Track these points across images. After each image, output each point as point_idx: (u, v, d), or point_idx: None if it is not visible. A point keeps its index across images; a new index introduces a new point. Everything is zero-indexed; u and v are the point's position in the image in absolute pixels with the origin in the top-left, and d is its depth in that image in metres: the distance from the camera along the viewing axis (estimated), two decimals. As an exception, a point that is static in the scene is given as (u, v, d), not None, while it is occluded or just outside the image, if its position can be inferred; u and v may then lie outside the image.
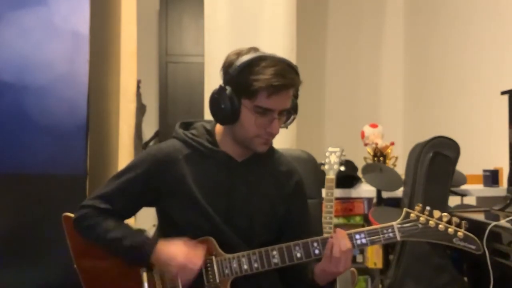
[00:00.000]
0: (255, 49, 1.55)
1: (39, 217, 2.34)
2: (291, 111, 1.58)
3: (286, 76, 1.49)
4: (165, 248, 1.53)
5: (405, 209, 1.54)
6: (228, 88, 1.52)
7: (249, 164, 1.62)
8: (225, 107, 1.51)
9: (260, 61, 1.50)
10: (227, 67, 1.54)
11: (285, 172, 1.67)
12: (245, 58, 1.51)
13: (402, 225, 1.52)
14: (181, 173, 1.58)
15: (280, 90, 1.49)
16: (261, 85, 1.47)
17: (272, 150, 1.67)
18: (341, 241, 1.49)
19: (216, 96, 1.53)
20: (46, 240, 2.30)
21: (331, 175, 2.44)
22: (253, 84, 1.48)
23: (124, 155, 2.74)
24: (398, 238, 1.52)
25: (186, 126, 1.69)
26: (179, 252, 1.50)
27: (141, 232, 1.60)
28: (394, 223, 1.53)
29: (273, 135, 1.56)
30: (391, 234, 1.52)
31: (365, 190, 2.82)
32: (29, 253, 2.33)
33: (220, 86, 1.54)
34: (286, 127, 1.62)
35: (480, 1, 3.38)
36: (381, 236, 1.52)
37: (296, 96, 1.60)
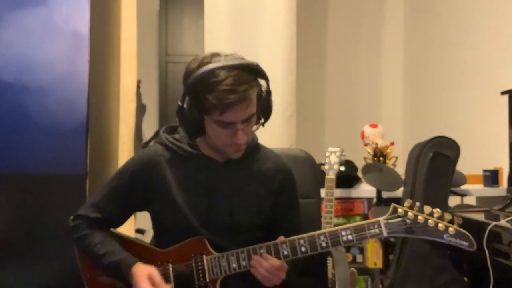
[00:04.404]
0: (216, 54, 1.49)
1: (39, 217, 2.34)
2: (259, 113, 1.54)
3: (237, 90, 1.42)
4: (136, 273, 1.53)
5: (392, 204, 1.49)
6: (188, 103, 1.49)
7: (231, 165, 1.62)
8: (190, 123, 1.51)
9: (212, 75, 1.43)
10: (186, 79, 1.49)
11: (272, 169, 1.66)
12: (198, 72, 1.44)
13: (388, 221, 1.47)
14: (162, 175, 1.60)
15: (233, 106, 1.43)
16: (213, 102, 1.43)
17: (256, 149, 1.67)
18: (262, 262, 1.50)
19: (179, 112, 1.52)
20: (46, 240, 2.31)
21: (331, 175, 2.44)
22: (205, 103, 1.45)
23: (124, 155, 2.74)
24: (385, 234, 1.47)
25: (172, 130, 1.70)
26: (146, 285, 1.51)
27: (122, 250, 1.60)
28: (380, 218, 1.48)
29: (240, 145, 1.54)
30: (377, 230, 1.48)
31: (365, 190, 2.83)
32: (29, 253, 2.33)
33: (180, 102, 1.51)
34: (255, 130, 1.58)
35: (480, 1, 3.38)
36: (367, 232, 1.48)
37: (269, 92, 1.54)
